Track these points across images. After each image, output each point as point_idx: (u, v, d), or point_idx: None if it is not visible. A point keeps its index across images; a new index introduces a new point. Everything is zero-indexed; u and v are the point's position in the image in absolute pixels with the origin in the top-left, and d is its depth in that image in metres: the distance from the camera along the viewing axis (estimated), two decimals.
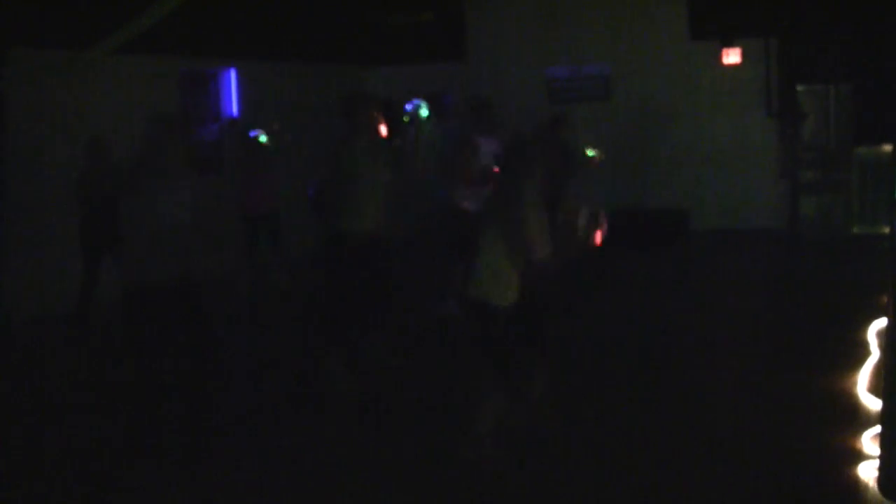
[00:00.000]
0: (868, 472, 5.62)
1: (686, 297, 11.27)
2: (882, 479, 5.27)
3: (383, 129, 7.59)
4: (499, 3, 16.59)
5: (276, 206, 11.36)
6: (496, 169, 8.01)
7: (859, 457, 5.87)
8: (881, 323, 8.74)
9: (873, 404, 6.65)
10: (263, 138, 10.92)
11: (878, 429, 6.06)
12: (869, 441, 5.97)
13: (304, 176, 9.31)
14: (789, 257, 13.91)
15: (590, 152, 10.51)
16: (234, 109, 13.63)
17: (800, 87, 15.09)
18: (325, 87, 15.38)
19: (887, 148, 14.33)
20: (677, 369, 8.24)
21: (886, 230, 13.63)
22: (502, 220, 5.96)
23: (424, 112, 7.58)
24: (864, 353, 7.87)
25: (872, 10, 13.70)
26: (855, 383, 7.26)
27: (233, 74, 13.63)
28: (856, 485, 5.57)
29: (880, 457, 5.34)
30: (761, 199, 15.62)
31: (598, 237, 6.28)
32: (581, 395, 7.49)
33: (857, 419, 6.53)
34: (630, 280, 12.23)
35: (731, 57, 15.48)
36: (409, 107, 7.63)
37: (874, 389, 6.88)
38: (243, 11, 13.40)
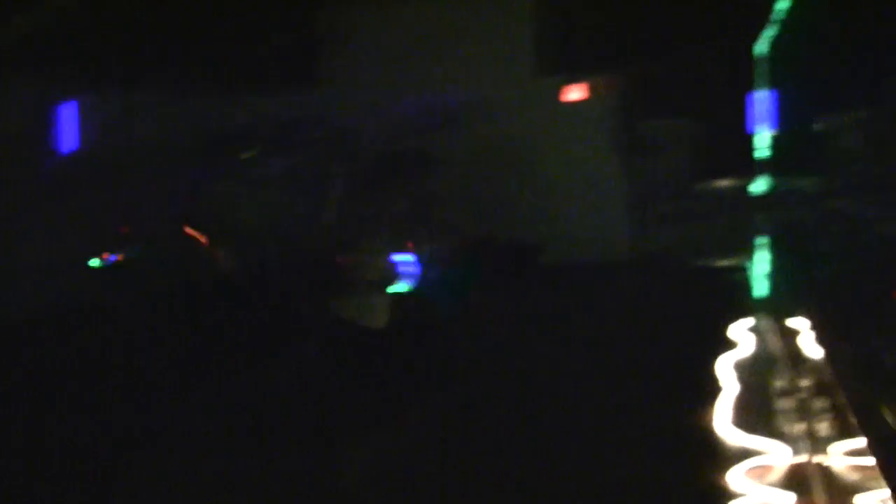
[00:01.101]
0: None
1: (537, 331, 11.25)
2: None
3: None
4: (353, 32, 16.50)
5: None
6: None
7: (729, 494, 5.92)
8: (733, 356, 9.03)
9: (739, 439, 6.77)
10: None
11: (748, 464, 6.19)
12: (740, 477, 6.05)
13: None
14: (640, 290, 14.16)
15: None
16: (78, 143, 13.09)
17: (648, 122, 15.51)
18: (177, 119, 14.97)
19: (732, 181, 14.84)
20: (530, 407, 8.13)
21: (732, 262, 14.13)
22: None
23: None
24: (718, 386, 8.04)
25: (717, 47, 14.19)
26: (713, 418, 7.33)
27: (77, 106, 13.10)
28: None
29: None
30: (611, 232, 15.88)
31: None
32: (443, 431, 7.39)
33: (722, 455, 6.60)
34: (478, 316, 12.16)
35: (576, 92, 15.76)
36: None
37: (740, 423, 7.01)
38: (91, 40, 12.90)
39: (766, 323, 10.27)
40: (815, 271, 12.31)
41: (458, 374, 9.07)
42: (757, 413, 7.19)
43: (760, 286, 12.16)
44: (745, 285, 12.54)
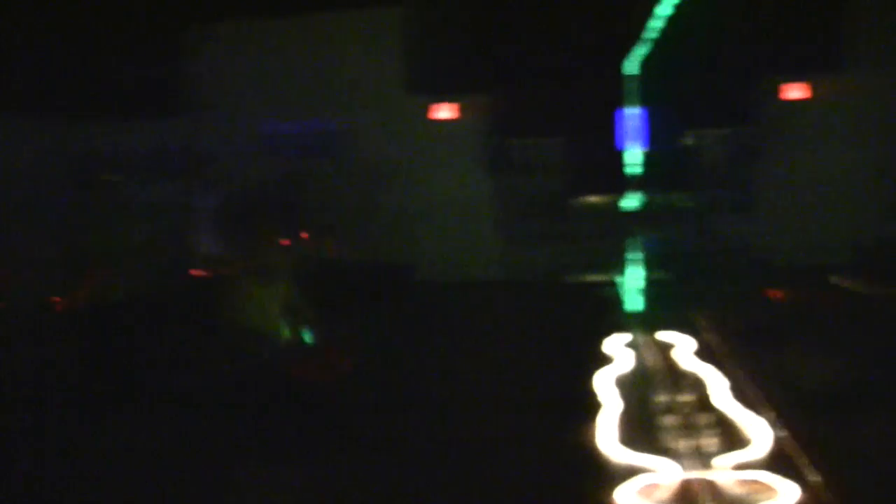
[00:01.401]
0: None
1: (411, 351, 11.06)
2: None
3: None
4: (220, 56, 16.20)
5: None
6: None
7: None
8: (613, 372, 8.98)
9: (626, 457, 6.67)
10: None
11: (637, 482, 6.09)
12: (630, 495, 5.94)
13: None
14: (511, 308, 14.15)
15: None
16: None
17: (519, 141, 15.55)
18: (47, 144, 14.42)
19: (604, 198, 14.98)
20: (410, 423, 7.98)
21: (601, 278, 14.22)
22: None
23: None
24: (599, 403, 7.94)
25: (587, 66, 14.33)
26: (598, 436, 7.20)
27: None
28: None
29: None
30: (482, 250, 15.88)
31: None
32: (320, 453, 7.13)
33: (610, 473, 6.48)
34: (356, 335, 11.87)
35: (444, 112, 15.72)
36: None
37: (625, 441, 6.92)
38: None
39: (643, 338, 10.28)
40: (689, 285, 12.47)
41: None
42: (642, 430, 7.11)
43: (634, 301, 12.23)
44: (620, 301, 12.60)
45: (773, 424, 6.85)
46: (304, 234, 8.85)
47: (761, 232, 15.03)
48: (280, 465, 6.84)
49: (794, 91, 15.79)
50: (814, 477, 5.91)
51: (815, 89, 15.84)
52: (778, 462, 6.22)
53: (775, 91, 15.77)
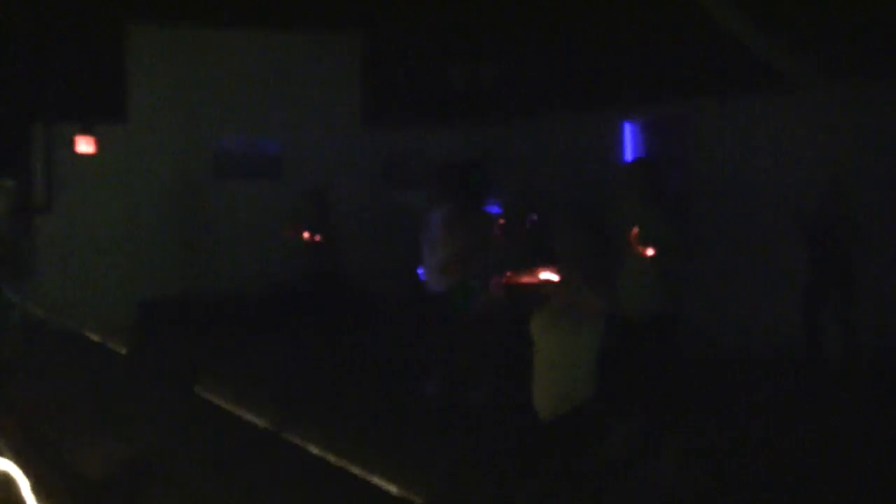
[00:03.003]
0: None
1: None
2: None
3: None
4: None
5: None
6: None
7: None
8: None
9: None
10: None
11: None
12: None
13: None
14: None
15: None
16: None
17: None
18: None
19: None
20: None
21: None
22: None
23: None
24: None
25: None
26: None
27: None
28: None
29: None
30: None
31: None
32: None
33: None
34: None
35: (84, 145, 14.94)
36: None
37: None
38: None
39: None
40: None
41: None
42: None
43: None
44: None
45: None
46: None
47: (45, 294, 13.97)
48: None
49: (84, 144, 15.25)
50: None
51: (101, 142, 15.40)
52: None
53: (68, 143, 15.16)
